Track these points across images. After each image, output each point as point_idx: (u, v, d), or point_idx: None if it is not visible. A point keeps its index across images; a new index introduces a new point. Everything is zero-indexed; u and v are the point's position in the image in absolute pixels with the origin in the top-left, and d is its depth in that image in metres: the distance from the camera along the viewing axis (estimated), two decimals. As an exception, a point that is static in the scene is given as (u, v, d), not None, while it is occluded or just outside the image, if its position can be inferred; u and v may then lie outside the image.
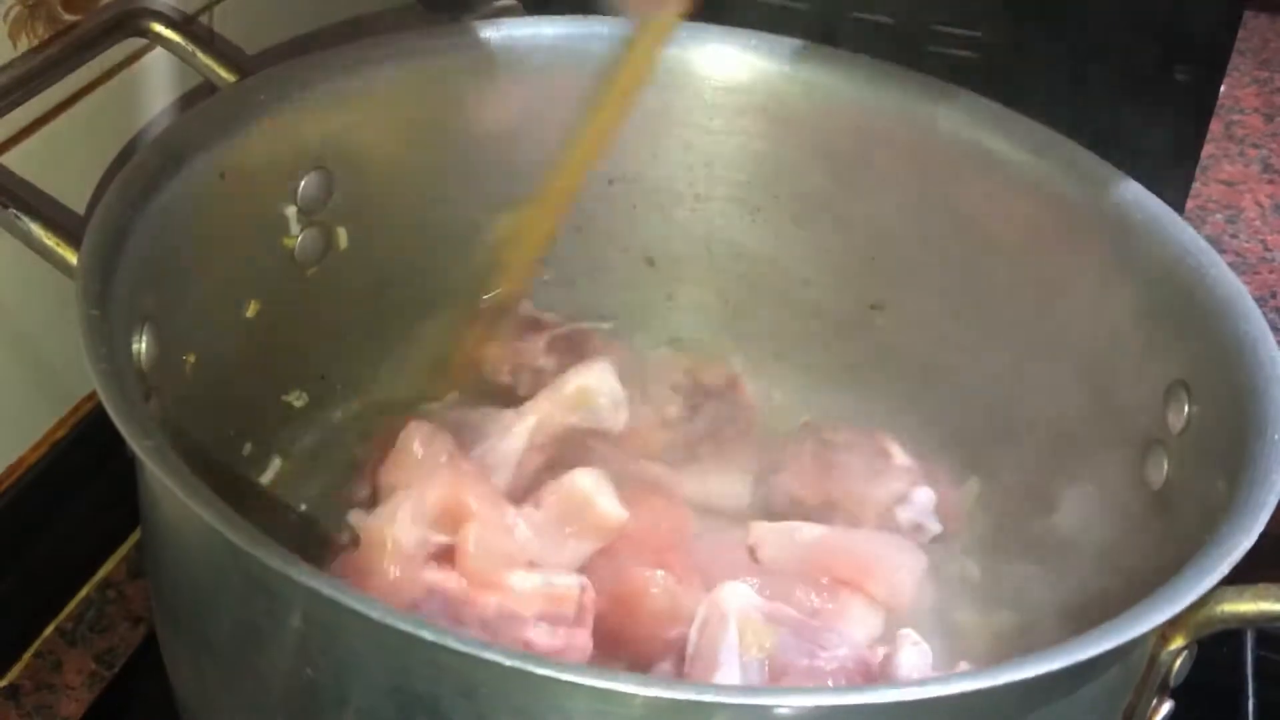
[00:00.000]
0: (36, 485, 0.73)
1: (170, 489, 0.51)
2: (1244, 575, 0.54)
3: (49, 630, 0.74)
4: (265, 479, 0.75)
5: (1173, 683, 0.56)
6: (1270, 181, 1.14)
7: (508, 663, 0.45)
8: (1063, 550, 0.72)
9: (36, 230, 0.61)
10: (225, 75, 0.72)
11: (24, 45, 0.66)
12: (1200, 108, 0.84)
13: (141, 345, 0.61)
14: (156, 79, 0.75)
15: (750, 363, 0.84)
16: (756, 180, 0.81)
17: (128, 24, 0.70)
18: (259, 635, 0.54)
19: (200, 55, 0.72)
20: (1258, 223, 1.10)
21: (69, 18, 0.67)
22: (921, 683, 0.48)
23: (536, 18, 0.78)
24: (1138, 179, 0.72)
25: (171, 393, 0.64)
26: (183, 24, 0.72)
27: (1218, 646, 0.55)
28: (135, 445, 0.51)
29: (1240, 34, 0.84)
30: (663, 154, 0.81)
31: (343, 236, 0.75)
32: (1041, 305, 0.74)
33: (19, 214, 0.61)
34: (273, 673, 0.54)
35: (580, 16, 0.78)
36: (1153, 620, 0.50)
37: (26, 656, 0.73)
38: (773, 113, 0.79)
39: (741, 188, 0.81)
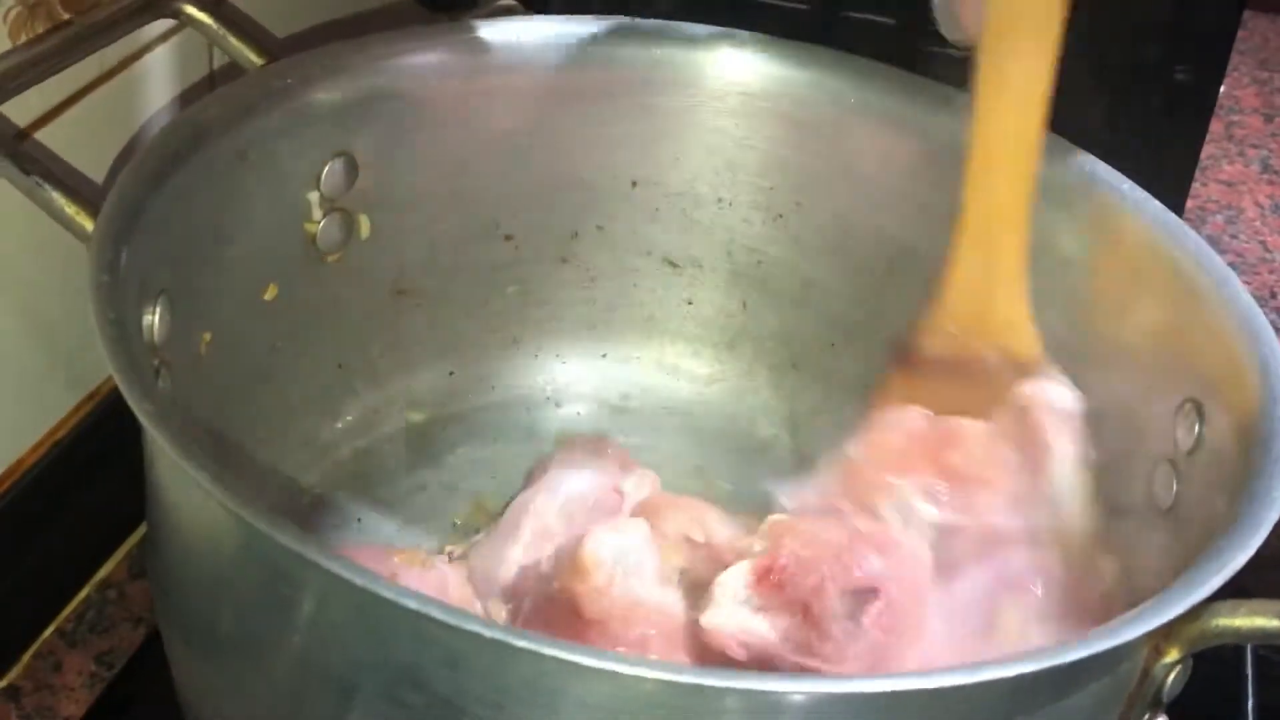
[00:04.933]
0: (37, 485, 0.73)
1: (170, 458, 0.51)
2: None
3: (49, 631, 0.74)
4: (276, 463, 0.75)
5: (1166, 698, 0.56)
6: (1270, 182, 1.13)
7: (488, 634, 0.46)
8: (1065, 569, 0.71)
9: (57, 198, 0.62)
10: (254, 58, 0.72)
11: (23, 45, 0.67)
12: (1200, 108, 0.83)
13: (154, 318, 0.62)
14: (182, 63, 0.76)
15: (768, 370, 0.84)
16: (779, 186, 0.81)
17: (159, 4, 0.70)
18: (260, 607, 0.54)
19: (230, 37, 0.72)
20: (1257, 223, 1.10)
21: (68, 17, 0.68)
22: (901, 676, 0.48)
23: (564, 17, 0.78)
24: (1138, 179, 0.72)
25: (185, 369, 0.65)
26: (213, 5, 0.72)
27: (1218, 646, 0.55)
28: (136, 408, 0.52)
29: (1240, 34, 0.84)
30: (685, 158, 0.81)
31: (365, 225, 0.76)
32: (1059, 319, 0.73)
33: (40, 181, 0.62)
34: (278, 652, 0.54)
35: (605, 17, 0.78)
36: (1138, 629, 0.50)
37: (26, 657, 0.73)
38: (796, 119, 0.79)
39: (764, 193, 0.81)
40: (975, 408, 0.68)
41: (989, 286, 0.70)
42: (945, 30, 0.67)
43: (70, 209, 0.62)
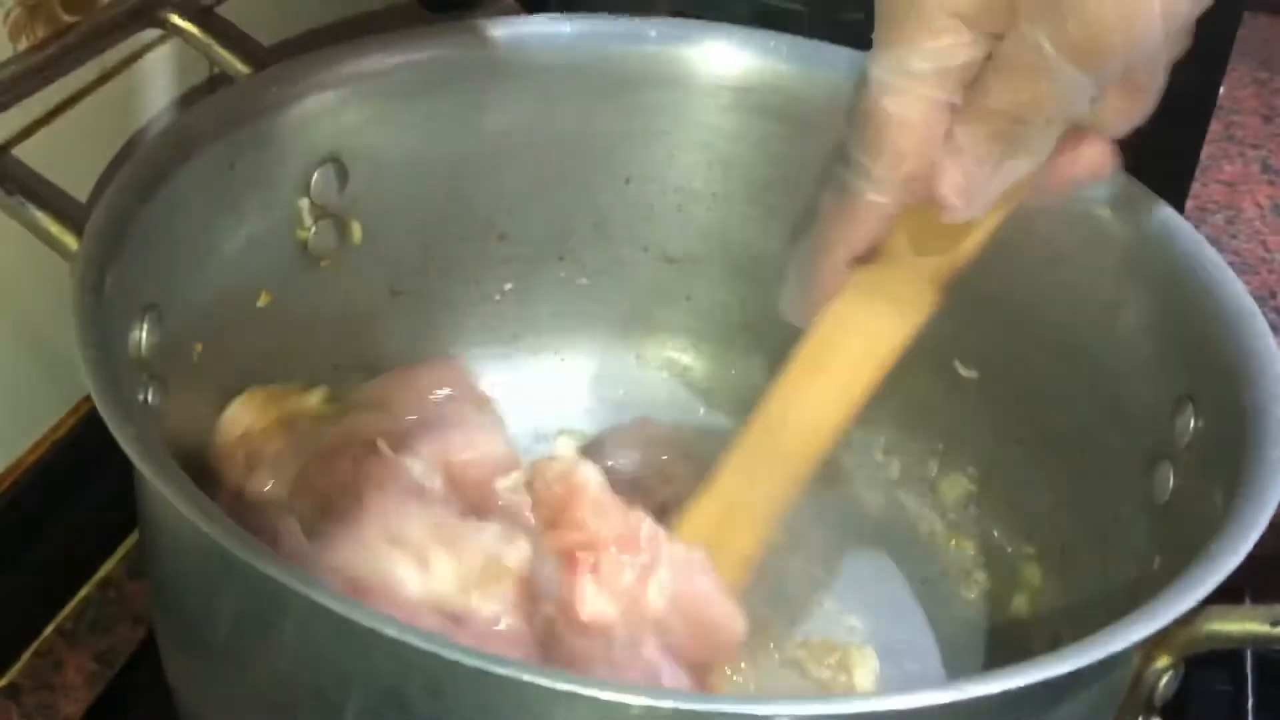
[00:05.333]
0: (36, 485, 0.73)
1: (151, 480, 0.51)
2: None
3: (49, 630, 0.74)
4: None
5: (1159, 702, 0.56)
6: (1270, 182, 1.13)
7: (469, 662, 0.45)
8: (1064, 564, 0.72)
9: (41, 217, 0.62)
10: (241, 67, 0.72)
11: (24, 47, 0.66)
12: (1200, 108, 0.83)
13: (142, 333, 0.62)
14: (169, 73, 0.75)
15: (768, 364, 0.84)
16: (774, 181, 0.80)
17: (144, 14, 0.70)
18: (246, 629, 0.54)
19: (217, 47, 0.72)
20: (1257, 223, 1.10)
21: (69, 19, 0.67)
22: (892, 695, 0.48)
23: (553, 15, 0.78)
24: (1137, 179, 0.71)
25: (177, 381, 0.65)
26: (199, 15, 0.72)
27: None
28: (115, 431, 0.52)
29: (1240, 34, 0.83)
30: (680, 154, 0.80)
31: (357, 230, 0.75)
32: (1057, 316, 0.73)
33: (24, 200, 0.62)
34: (266, 672, 0.54)
35: (597, 15, 0.78)
36: (1130, 638, 0.50)
37: (26, 656, 0.73)
38: (791, 114, 0.78)
39: (759, 188, 0.81)
40: None
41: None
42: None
43: (54, 228, 0.61)
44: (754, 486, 0.66)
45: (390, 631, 0.46)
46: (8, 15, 0.65)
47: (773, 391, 0.66)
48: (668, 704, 0.46)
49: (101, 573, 0.77)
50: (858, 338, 0.66)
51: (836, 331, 0.66)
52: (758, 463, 0.66)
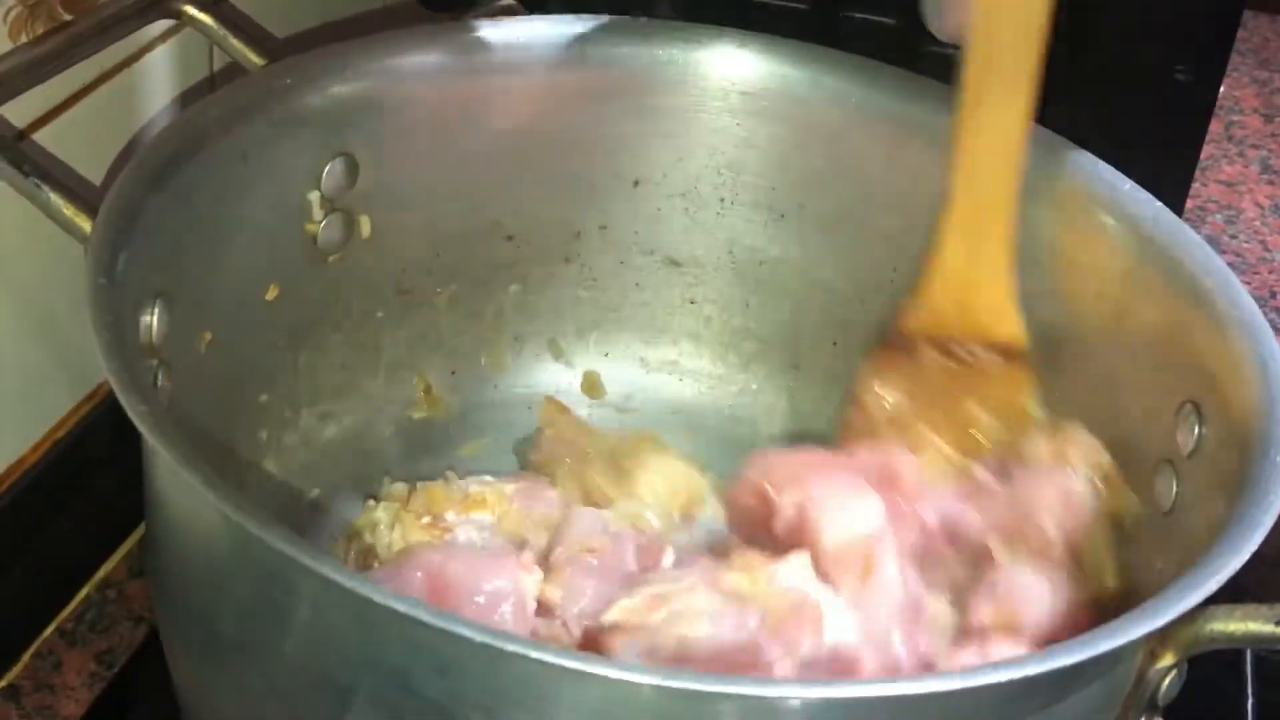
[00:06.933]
0: (37, 484, 0.73)
1: (168, 461, 0.51)
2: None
3: (49, 630, 0.74)
4: (277, 463, 0.75)
5: (1161, 701, 0.56)
6: (1270, 182, 1.13)
7: (477, 638, 0.46)
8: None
9: (56, 200, 0.62)
10: (255, 59, 0.72)
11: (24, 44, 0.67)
12: (1200, 108, 0.83)
13: (153, 319, 0.62)
14: (182, 63, 0.76)
15: (771, 370, 0.84)
16: (782, 186, 0.81)
17: (159, 4, 0.70)
18: (255, 609, 0.54)
19: (230, 38, 0.72)
20: (1257, 223, 1.10)
21: (68, 17, 0.68)
22: (897, 681, 0.48)
23: (563, 17, 0.78)
24: (1137, 179, 0.71)
25: (185, 369, 0.65)
26: (213, 6, 0.72)
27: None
28: (130, 410, 0.52)
29: (1240, 34, 0.84)
30: (688, 157, 0.81)
31: (366, 225, 0.76)
32: (1060, 320, 0.73)
33: (39, 183, 0.62)
34: (274, 655, 0.54)
35: (604, 16, 0.78)
36: (1132, 633, 0.50)
37: (26, 656, 0.73)
38: (798, 119, 0.79)
39: (766, 193, 0.81)
40: (957, 387, 0.71)
41: (974, 274, 0.71)
42: (933, 28, 0.67)
43: (68, 210, 0.62)
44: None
45: (400, 607, 0.46)
46: (8, 13, 0.65)
47: (959, 135, 0.69)
48: (676, 684, 0.46)
49: (101, 573, 0.77)
50: None
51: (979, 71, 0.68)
52: (975, 196, 0.71)
